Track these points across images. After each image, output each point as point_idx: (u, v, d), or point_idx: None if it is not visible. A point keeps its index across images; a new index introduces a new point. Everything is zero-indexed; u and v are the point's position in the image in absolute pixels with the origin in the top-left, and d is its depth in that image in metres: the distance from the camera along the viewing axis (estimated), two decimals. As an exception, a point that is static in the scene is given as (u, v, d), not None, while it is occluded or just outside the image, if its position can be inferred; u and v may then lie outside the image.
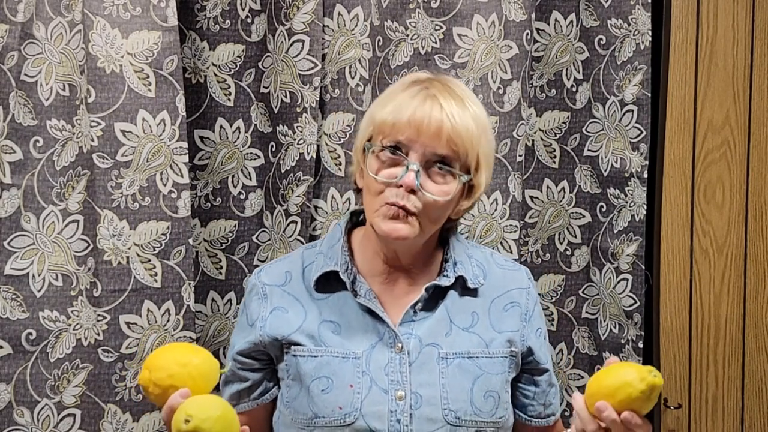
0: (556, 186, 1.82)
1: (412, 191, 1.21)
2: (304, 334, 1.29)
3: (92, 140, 1.44)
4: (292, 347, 1.29)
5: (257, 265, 1.64)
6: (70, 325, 1.45)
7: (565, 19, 1.77)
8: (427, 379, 1.27)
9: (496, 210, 1.71)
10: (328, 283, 1.31)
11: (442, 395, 1.26)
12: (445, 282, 1.30)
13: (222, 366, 1.19)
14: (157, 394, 1.11)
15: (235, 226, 1.64)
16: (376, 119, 1.26)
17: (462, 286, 1.32)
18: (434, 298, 1.31)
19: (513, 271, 1.40)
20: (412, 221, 1.23)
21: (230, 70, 1.60)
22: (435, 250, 1.35)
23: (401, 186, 1.21)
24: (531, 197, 1.81)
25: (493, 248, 1.69)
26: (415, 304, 1.29)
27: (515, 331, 1.33)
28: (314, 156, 1.59)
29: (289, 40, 1.55)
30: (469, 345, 1.30)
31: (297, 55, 1.55)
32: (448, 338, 1.29)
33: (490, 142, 1.30)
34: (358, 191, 1.35)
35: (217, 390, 1.19)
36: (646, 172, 1.72)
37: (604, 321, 1.80)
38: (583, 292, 1.83)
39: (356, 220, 1.38)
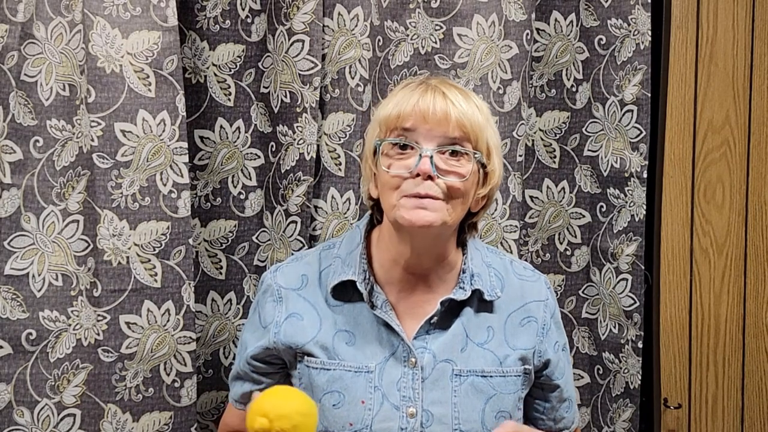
0: (556, 186, 1.82)
1: (430, 177, 1.19)
2: (318, 345, 1.28)
3: (92, 140, 1.44)
4: (306, 357, 1.28)
5: (257, 265, 1.65)
6: (70, 325, 1.45)
7: (565, 19, 1.77)
8: (439, 396, 1.25)
9: (496, 210, 1.71)
10: (345, 290, 1.29)
11: (454, 414, 1.25)
12: (460, 295, 1.28)
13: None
14: None
15: (235, 226, 1.64)
16: (380, 118, 1.25)
17: (479, 299, 1.30)
18: (450, 311, 1.29)
19: (532, 282, 1.37)
20: (438, 206, 1.20)
21: (230, 70, 1.60)
22: (455, 256, 1.32)
23: (418, 176, 1.20)
24: (531, 197, 1.81)
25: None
26: (431, 318, 1.27)
27: (529, 348, 1.31)
28: (314, 156, 1.59)
29: (289, 40, 1.55)
30: (483, 363, 1.28)
31: (297, 55, 1.55)
32: (463, 354, 1.27)
33: (496, 132, 1.30)
34: (373, 206, 1.33)
35: None
36: (646, 172, 1.72)
37: (604, 321, 1.80)
38: (583, 292, 1.83)
39: (375, 222, 1.36)
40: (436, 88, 1.23)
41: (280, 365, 1.33)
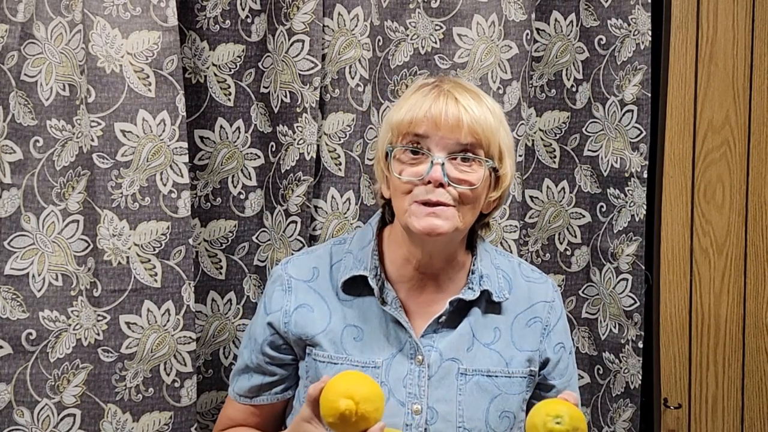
0: (556, 186, 1.82)
1: (441, 185, 1.20)
2: (327, 338, 1.28)
3: (92, 140, 1.44)
4: (314, 350, 1.29)
5: (257, 265, 1.65)
6: (70, 325, 1.45)
7: (565, 19, 1.77)
8: (444, 394, 1.26)
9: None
10: (355, 285, 1.30)
11: (458, 412, 1.26)
12: (469, 296, 1.29)
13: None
14: (355, 424, 1.10)
15: (235, 226, 1.64)
16: (393, 122, 1.26)
17: (487, 300, 1.31)
18: (458, 311, 1.30)
19: (539, 283, 1.38)
20: (449, 213, 1.21)
21: (230, 70, 1.60)
22: (464, 257, 1.33)
23: (429, 182, 1.20)
24: (531, 197, 1.81)
25: (493, 248, 1.69)
26: (439, 317, 1.28)
27: (535, 350, 1.32)
28: (314, 156, 1.59)
29: (289, 40, 1.55)
30: (489, 363, 1.29)
31: (297, 55, 1.55)
32: (470, 353, 1.28)
33: (509, 133, 1.30)
34: (384, 205, 1.34)
35: None
36: (646, 172, 1.72)
37: (604, 321, 1.80)
38: (583, 292, 1.83)
39: (387, 221, 1.36)
40: (448, 94, 1.23)
41: (294, 356, 1.33)
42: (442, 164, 1.20)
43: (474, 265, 1.32)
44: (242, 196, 1.64)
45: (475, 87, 1.31)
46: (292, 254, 1.56)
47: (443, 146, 1.21)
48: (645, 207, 1.73)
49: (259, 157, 1.64)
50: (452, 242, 1.28)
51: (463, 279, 1.32)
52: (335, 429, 1.11)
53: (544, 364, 1.34)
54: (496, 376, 1.28)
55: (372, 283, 1.28)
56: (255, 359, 1.34)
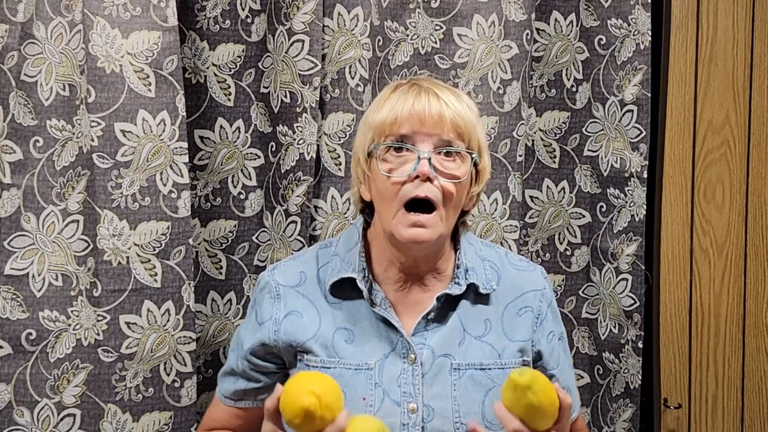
0: (556, 186, 1.82)
1: (428, 179, 1.21)
2: (318, 343, 1.28)
3: (92, 140, 1.44)
4: (306, 356, 1.29)
5: (257, 265, 1.65)
6: (70, 325, 1.45)
7: (565, 19, 1.77)
8: (439, 391, 1.26)
9: (496, 210, 1.71)
10: (343, 287, 1.30)
11: (454, 408, 1.26)
12: (456, 290, 1.29)
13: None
14: (321, 417, 1.11)
15: (235, 226, 1.64)
16: (375, 123, 1.25)
17: (475, 293, 1.31)
18: (447, 306, 1.30)
19: (528, 272, 1.38)
20: (433, 222, 1.22)
21: (230, 70, 1.60)
22: (449, 253, 1.33)
23: (417, 177, 1.21)
24: (531, 197, 1.81)
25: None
26: (427, 314, 1.28)
27: (527, 340, 1.32)
28: (314, 156, 1.59)
29: (289, 40, 1.55)
30: (481, 356, 1.29)
31: (297, 55, 1.55)
32: (461, 348, 1.28)
33: (483, 129, 1.31)
34: (363, 209, 1.33)
35: None
36: (646, 172, 1.72)
37: (604, 321, 1.80)
38: (583, 292, 1.83)
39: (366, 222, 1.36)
40: (429, 90, 1.24)
41: (279, 365, 1.33)
42: (429, 159, 1.21)
43: (459, 259, 1.32)
44: (242, 196, 1.64)
45: (449, 86, 1.31)
46: (293, 254, 1.56)
47: (428, 142, 1.22)
48: (645, 207, 1.73)
49: (259, 157, 1.64)
50: (436, 245, 1.28)
51: (449, 275, 1.32)
52: (304, 428, 1.12)
53: (539, 356, 1.34)
54: (490, 369, 1.28)
55: (361, 284, 1.27)
56: (240, 364, 1.34)
